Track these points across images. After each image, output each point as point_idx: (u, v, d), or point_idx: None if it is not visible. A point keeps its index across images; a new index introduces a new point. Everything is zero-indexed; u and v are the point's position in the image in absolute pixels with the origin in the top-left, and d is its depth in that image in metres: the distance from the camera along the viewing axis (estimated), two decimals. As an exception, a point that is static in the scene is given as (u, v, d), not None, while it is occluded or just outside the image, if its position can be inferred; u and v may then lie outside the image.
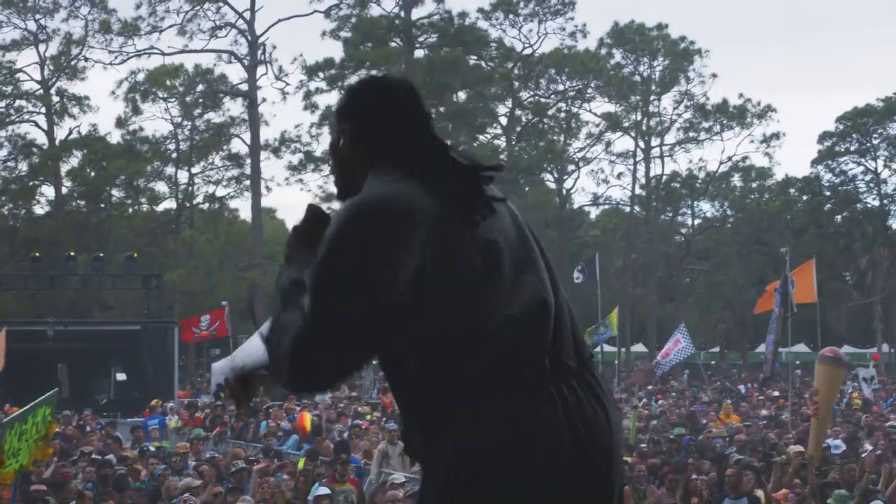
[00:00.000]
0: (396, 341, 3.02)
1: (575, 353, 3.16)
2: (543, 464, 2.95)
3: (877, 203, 71.45)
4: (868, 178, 71.35)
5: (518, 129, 65.45)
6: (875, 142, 70.31)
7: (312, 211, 3.32)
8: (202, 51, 58.04)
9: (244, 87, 58.03)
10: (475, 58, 57.84)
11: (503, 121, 64.75)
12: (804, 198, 73.16)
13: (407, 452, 3.29)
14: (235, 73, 62.87)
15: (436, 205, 3.03)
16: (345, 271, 2.94)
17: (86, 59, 58.87)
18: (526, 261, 3.16)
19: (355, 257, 2.94)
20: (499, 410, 2.95)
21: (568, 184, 66.12)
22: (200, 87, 59.61)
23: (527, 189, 60.69)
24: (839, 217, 73.13)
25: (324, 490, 13.70)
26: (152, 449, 19.32)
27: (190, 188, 62.42)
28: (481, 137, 62.11)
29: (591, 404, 3.08)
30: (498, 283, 3.04)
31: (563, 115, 66.04)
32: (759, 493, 13.35)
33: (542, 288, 3.14)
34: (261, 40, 57.01)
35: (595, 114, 66.81)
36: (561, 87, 65.13)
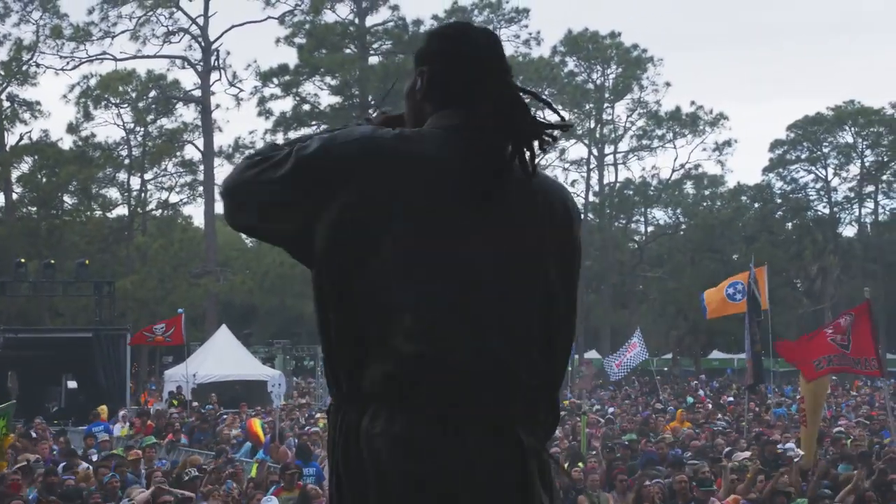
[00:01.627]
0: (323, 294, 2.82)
1: (519, 400, 2.73)
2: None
3: (827, 211, 72.27)
4: (818, 185, 72.24)
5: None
6: (825, 150, 71.15)
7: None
8: (155, 56, 57.75)
9: (197, 92, 57.73)
10: (429, 65, 57.81)
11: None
12: (756, 205, 73.90)
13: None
14: (189, 79, 62.79)
15: (445, 162, 2.81)
16: (294, 166, 2.79)
17: (37, 65, 58.37)
18: (513, 273, 2.80)
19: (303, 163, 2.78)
20: (381, 433, 2.65)
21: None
22: (153, 93, 59.30)
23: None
24: (790, 224, 73.89)
25: (272, 501, 13.64)
26: (93, 458, 19.11)
27: (143, 194, 62.08)
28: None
29: (488, 461, 2.65)
30: (432, 278, 2.70)
31: (523, 121, 66.06)
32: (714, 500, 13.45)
33: (487, 307, 2.72)
34: (214, 46, 56.80)
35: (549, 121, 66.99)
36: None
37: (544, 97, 3.19)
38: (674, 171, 68.08)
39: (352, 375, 2.75)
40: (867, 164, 70.94)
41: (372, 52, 57.01)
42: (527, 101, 3.09)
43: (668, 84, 66.93)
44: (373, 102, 55.93)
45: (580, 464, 16.91)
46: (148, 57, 57.68)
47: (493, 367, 2.70)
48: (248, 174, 2.86)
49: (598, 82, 67.03)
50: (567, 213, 3.00)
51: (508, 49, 65.29)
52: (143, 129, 60.20)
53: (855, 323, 15.75)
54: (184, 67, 58.06)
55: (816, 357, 16.40)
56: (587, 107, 66.69)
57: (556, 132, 3.08)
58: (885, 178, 71.29)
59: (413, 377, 2.65)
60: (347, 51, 56.03)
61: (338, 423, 2.78)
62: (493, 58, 3.03)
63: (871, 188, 71.65)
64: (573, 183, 67.62)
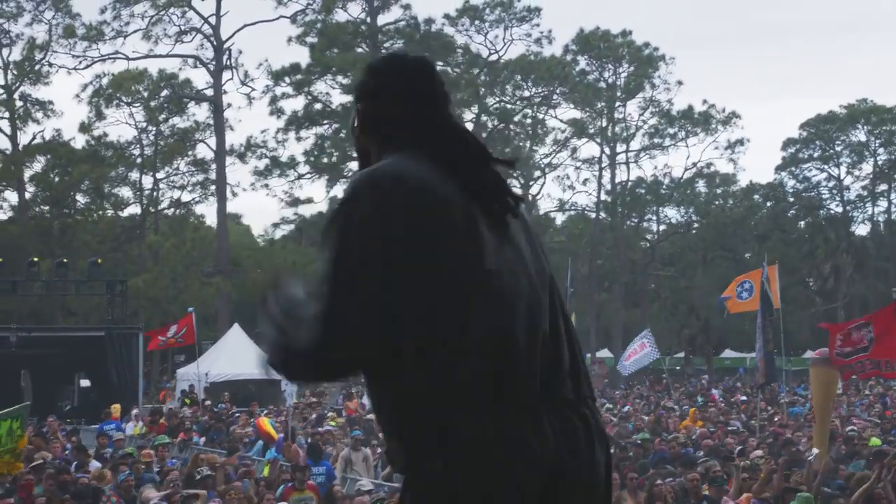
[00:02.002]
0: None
1: (573, 386, 2.95)
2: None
3: (840, 209, 72.09)
4: (831, 184, 72.06)
5: (484, 134, 65.48)
6: (838, 148, 70.95)
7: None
8: (167, 56, 57.84)
9: (209, 91, 57.81)
10: (441, 63, 57.85)
11: (469, 126, 64.66)
12: (768, 204, 73.76)
13: (394, 470, 3.06)
14: (201, 78, 62.81)
15: (458, 191, 2.84)
16: (365, 257, 2.74)
17: (50, 64, 58.50)
18: (535, 276, 2.97)
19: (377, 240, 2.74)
20: (478, 443, 2.74)
21: (534, 190, 66.30)
22: (165, 92, 59.38)
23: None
24: (802, 223, 73.71)
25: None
26: (107, 457, 19.16)
27: (155, 193, 62.15)
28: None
29: (580, 441, 2.88)
30: (500, 293, 2.81)
31: (528, 121, 66.17)
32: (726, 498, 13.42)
33: (538, 309, 2.91)
34: (226, 45, 56.85)
35: (561, 120, 67.01)
36: (527, 94, 65.28)
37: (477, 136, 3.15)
38: (686, 169, 67.96)
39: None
40: (880, 162, 70.76)
41: (384, 51, 57.03)
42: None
43: (679, 83, 66.83)
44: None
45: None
46: (160, 56, 57.85)
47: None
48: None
49: (610, 81, 66.92)
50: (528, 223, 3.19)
51: (520, 48, 65.27)
52: (155, 128, 60.28)
53: (882, 324, 15.65)
54: (196, 67, 58.22)
55: (852, 362, 16.43)
56: (599, 105, 66.59)
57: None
58: (898, 176, 71.08)
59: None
60: (359, 50, 56.10)
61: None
62: (425, 90, 3.04)
63: (884, 187, 71.45)
64: (585, 181, 67.61)
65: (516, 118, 65.71)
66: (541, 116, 66.04)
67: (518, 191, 3.12)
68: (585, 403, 2.99)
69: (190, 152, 61.12)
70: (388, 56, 3.19)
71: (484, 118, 65.26)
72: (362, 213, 2.75)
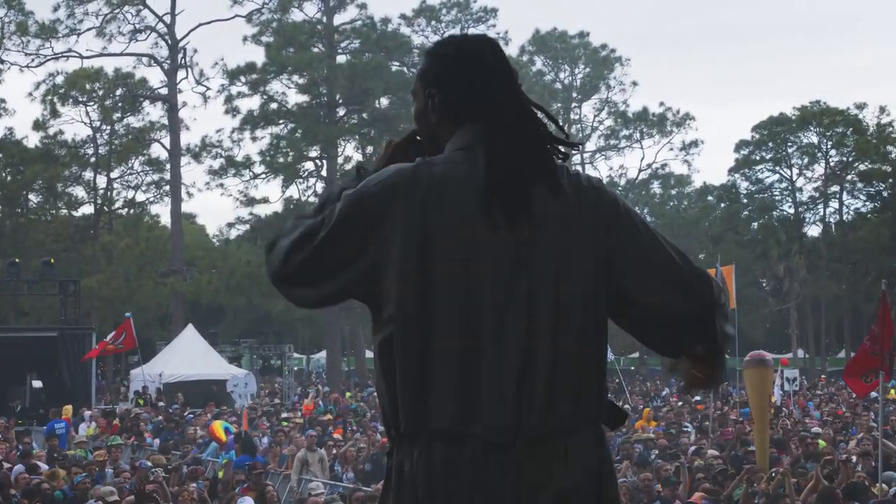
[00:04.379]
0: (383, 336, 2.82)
1: (538, 421, 2.75)
2: None
3: (792, 211, 72.72)
4: (783, 185, 72.64)
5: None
6: (790, 150, 71.57)
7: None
8: (121, 54, 57.43)
9: (164, 91, 57.49)
10: (398, 63, 57.84)
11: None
12: (722, 205, 74.28)
13: None
14: (155, 77, 62.30)
15: (470, 187, 2.79)
16: (335, 226, 2.78)
17: (2, 62, 57.89)
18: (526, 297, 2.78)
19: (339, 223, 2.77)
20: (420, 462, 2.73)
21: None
22: (120, 91, 58.96)
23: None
24: (756, 224, 74.29)
25: (246, 500, 13.62)
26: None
27: (109, 193, 61.69)
28: (404, 143, 62.06)
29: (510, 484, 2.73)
30: (472, 309, 2.73)
31: (485, 121, 66.22)
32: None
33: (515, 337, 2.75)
34: (181, 44, 56.53)
35: (517, 121, 67.21)
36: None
37: (549, 112, 3.13)
38: (641, 170, 68.41)
39: None
40: (832, 164, 71.42)
41: (340, 50, 56.95)
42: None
43: (635, 84, 67.25)
44: (340, 101, 55.88)
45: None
46: (114, 55, 57.43)
47: None
48: (298, 256, 2.85)
49: (566, 82, 67.25)
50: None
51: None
52: (109, 127, 59.84)
53: (879, 319, 15.69)
54: (150, 65, 57.85)
55: (864, 372, 16.44)
56: (555, 106, 66.81)
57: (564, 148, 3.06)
58: (849, 177, 71.78)
59: None
60: (315, 49, 55.92)
61: None
62: (497, 70, 2.99)
63: (835, 188, 72.13)
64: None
65: (472, 119, 65.78)
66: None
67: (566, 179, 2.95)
68: (546, 440, 2.77)
69: (144, 152, 60.75)
70: (452, 40, 3.09)
71: (440, 118, 65.34)
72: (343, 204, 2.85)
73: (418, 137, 3.08)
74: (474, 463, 2.70)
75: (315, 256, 2.81)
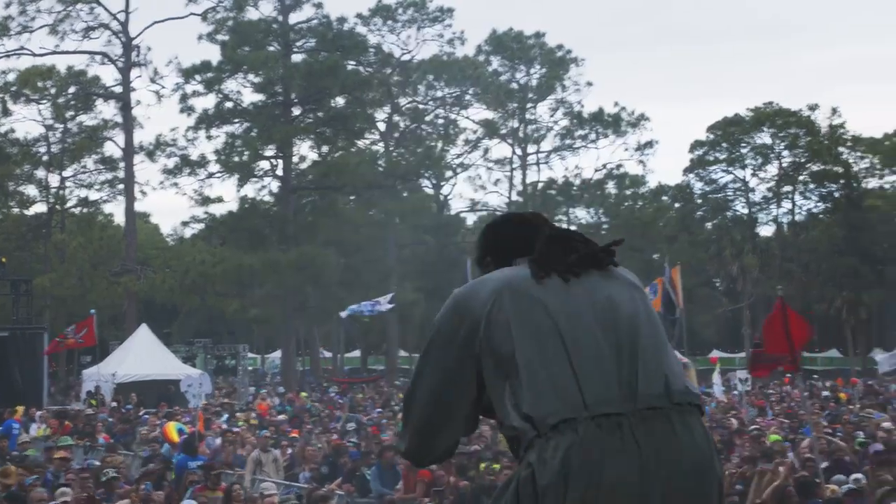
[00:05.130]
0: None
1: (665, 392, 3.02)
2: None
3: (745, 211, 73.28)
4: (737, 186, 73.16)
5: (396, 134, 65.59)
6: (744, 151, 72.10)
7: None
8: (75, 52, 56.97)
9: (118, 89, 57.08)
10: (353, 63, 57.77)
11: (381, 126, 64.85)
12: (676, 205, 74.74)
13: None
14: (109, 75, 61.87)
15: (518, 274, 3.19)
16: (424, 359, 3.22)
17: (-47, 59, 57.28)
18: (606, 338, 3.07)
19: (434, 344, 3.19)
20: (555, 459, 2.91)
21: (445, 190, 66.62)
22: (73, 89, 58.48)
23: (405, 195, 60.82)
24: (710, 224, 74.80)
25: (191, 502, 13.53)
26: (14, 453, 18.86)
27: (62, 192, 61.20)
28: (359, 143, 62.09)
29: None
30: (556, 350, 3.03)
31: (441, 121, 66.39)
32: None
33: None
34: (135, 42, 56.19)
35: (473, 120, 67.37)
36: (439, 94, 65.45)
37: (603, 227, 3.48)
38: (596, 170, 68.69)
39: None
40: (784, 164, 72.03)
41: (296, 49, 56.80)
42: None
43: (590, 84, 67.49)
44: (296, 100, 55.71)
45: (495, 465, 17.01)
46: (67, 52, 56.97)
47: None
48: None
49: (522, 82, 67.36)
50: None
51: (433, 48, 65.56)
52: (62, 125, 59.38)
53: (770, 321, 15.94)
54: (104, 63, 57.41)
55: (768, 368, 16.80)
56: (511, 106, 67.00)
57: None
58: (801, 178, 72.42)
59: None
60: (271, 48, 55.71)
61: None
62: (527, 219, 3.54)
63: (788, 188, 72.74)
64: (496, 182, 67.99)
65: (428, 118, 65.90)
66: (453, 117, 66.31)
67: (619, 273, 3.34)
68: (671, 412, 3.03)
69: (98, 150, 60.32)
70: (505, 216, 3.73)
71: (396, 118, 65.36)
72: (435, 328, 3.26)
73: None
74: (598, 440, 2.89)
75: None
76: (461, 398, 3.14)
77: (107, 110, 59.51)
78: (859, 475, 14.58)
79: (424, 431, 3.21)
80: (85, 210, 63.03)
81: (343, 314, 39.67)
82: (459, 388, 3.12)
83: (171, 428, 22.07)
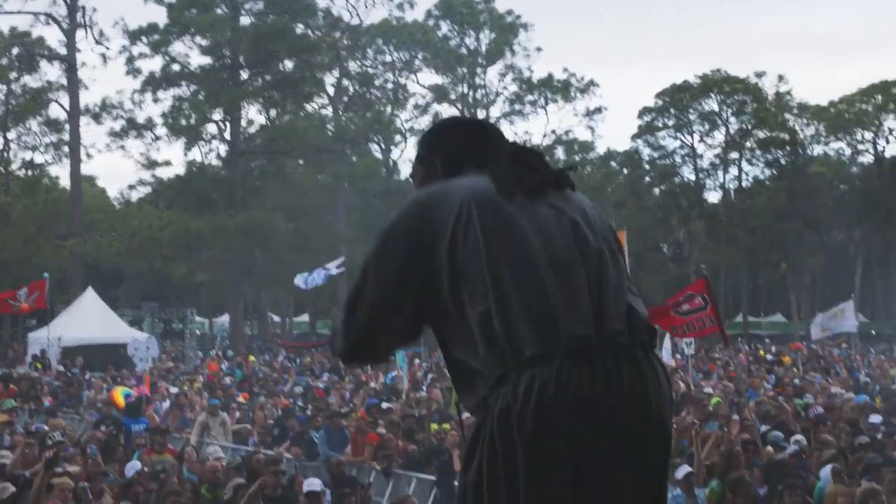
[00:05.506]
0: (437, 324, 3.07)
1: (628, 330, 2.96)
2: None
3: (693, 177, 73.79)
4: (685, 152, 73.64)
5: (345, 98, 65.32)
6: (691, 117, 72.54)
7: None
8: (18, 12, 56.15)
9: (63, 50, 56.38)
10: (302, 26, 57.36)
11: (330, 90, 64.58)
12: (625, 171, 75.13)
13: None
14: (53, 36, 61.21)
15: (489, 182, 3.08)
16: (376, 259, 3.08)
17: None
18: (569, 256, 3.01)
19: (388, 246, 3.08)
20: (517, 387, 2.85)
21: (395, 154, 66.37)
22: (16, 50, 57.65)
23: (354, 159, 60.66)
24: (657, 190, 75.28)
25: (136, 464, 13.49)
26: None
27: (6, 154, 60.46)
28: (308, 107, 61.79)
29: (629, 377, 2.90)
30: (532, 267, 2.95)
31: (390, 85, 66.19)
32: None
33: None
34: (80, 2, 55.43)
35: (422, 85, 67.18)
36: (388, 58, 65.24)
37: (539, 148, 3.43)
38: (545, 136, 68.76)
39: None
40: (731, 131, 72.57)
41: (244, 12, 56.30)
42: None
43: (539, 49, 67.53)
44: (244, 64, 55.26)
45: (445, 426, 17.12)
46: (10, 13, 56.13)
47: None
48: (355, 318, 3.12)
49: (472, 47, 67.21)
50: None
51: (382, 12, 65.30)
52: (5, 87, 58.57)
53: (693, 301, 16.16)
54: (48, 24, 56.65)
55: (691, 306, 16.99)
56: (460, 71, 66.84)
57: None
58: (748, 145, 73.02)
59: None
60: (218, 11, 55.17)
61: None
62: (487, 128, 3.41)
63: (735, 155, 73.31)
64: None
65: (378, 82, 65.66)
66: (402, 81, 66.12)
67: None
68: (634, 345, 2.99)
69: (42, 112, 59.58)
70: (445, 119, 3.58)
71: (345, 82, 65.07)
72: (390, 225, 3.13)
73: None
74: (567, 377, 2.83)
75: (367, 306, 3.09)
76: (409, 305, 3.04)
77: (51, 72, 58.97)
78: (800, 436, 14.82)
79: (368, 331, 3.10)
80: (30, 173, 62.30)
81: (303, 286, 39.54)
82: (409, 295, 3.03)
83: (118, 392, 21.97)
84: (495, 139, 3.31)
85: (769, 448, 14.19)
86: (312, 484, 11.85)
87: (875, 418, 17.54)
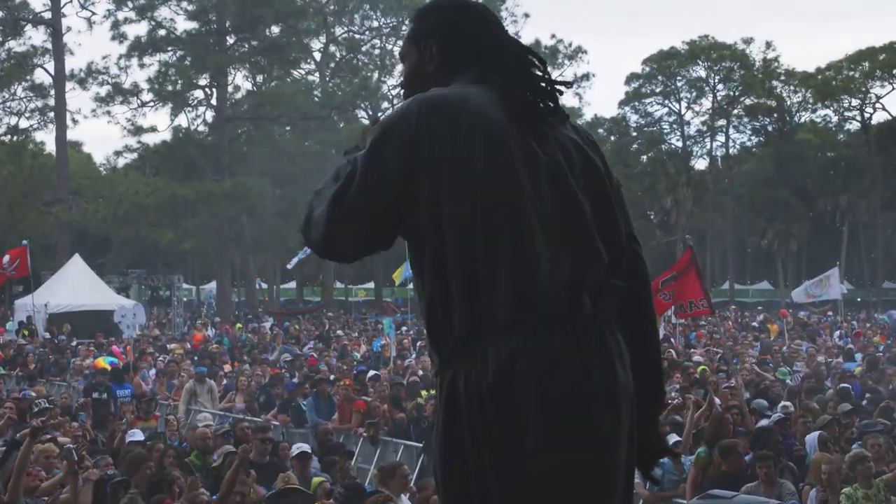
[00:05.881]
0: (420, 245, 2.92)
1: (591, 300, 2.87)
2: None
3: (680, 144, 73.84)
4: (672, 119, 73.66)
5: (332, 64, 65.04)
6: (679, 84, 72.50)
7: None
8: (2, -24, 55.64)
9: (48, 14, 55.93)
10: (289, -9, 56.98)
11: (317, 56, 64.29)
12: (612, 138, 75.10)
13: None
14: (38, 1, 60.63)
15: (495, 105, 2.94)
16: (369, 158, 2.94)
17: None
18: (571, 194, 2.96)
19: (384, 149, 2.92)
20: (499, 353, 2.77)
21: (382, 121, 66.10)
22: (0, 14, 57.20)
23: (341, 126, 60.45)
24: (645, 157, 75.33)
25: (136, 432, 13.50)
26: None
27: (-10, 119, 60.11)
28: (295, 73, 61.51)
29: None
30: (535, 202, 2.85)
31: (377, 51, 65.90)
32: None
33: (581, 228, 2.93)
34: (65, -34, 54.97)
35: (409, 51, 66.93)
36: (375, 24, 64.94)
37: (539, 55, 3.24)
38: (532, 102, 68.63)
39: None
40: (719, 98, 72.57)
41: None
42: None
43: (526, 15, 67.40)
44: (230, 29, 54.94)
45: (430, 392, 17.18)
46: (-6, -23, 55.61)
47: None
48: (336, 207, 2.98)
49: (459, 13, 66.94)
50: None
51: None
52: (-11, 51, 58.14)
53: (680, 272, 16.18)
54: (33, -12, 56.15)
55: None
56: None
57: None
58: (735, 112, 73.04)
59: None
60: (204, -25, 54.76)
61: None
62: (491, 18, 3.23)
63: (722, 122, 73.36)
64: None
65: (364, 48, 65.37)
66: (389, 47, 65.82)
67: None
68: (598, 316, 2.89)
69: (27, 77, 59.16)
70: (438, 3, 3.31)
71: (332, 48, 64.77)
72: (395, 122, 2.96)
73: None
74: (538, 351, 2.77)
75: (353, 202, 2.94)
76: (393, 217, 2.93)
77: (36, 36, 58.53)
78: (787, 403, 14.91)
79: (345, 228, 2.95)
80: (15, 138, 61.89)
81: (290, 266, 39.46)
82: (394, 207, 2.90)
83: (102, 361, 22.00)
84: (497, 30, 3.19)
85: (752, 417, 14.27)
86: (301, 446, 11.95)
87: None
